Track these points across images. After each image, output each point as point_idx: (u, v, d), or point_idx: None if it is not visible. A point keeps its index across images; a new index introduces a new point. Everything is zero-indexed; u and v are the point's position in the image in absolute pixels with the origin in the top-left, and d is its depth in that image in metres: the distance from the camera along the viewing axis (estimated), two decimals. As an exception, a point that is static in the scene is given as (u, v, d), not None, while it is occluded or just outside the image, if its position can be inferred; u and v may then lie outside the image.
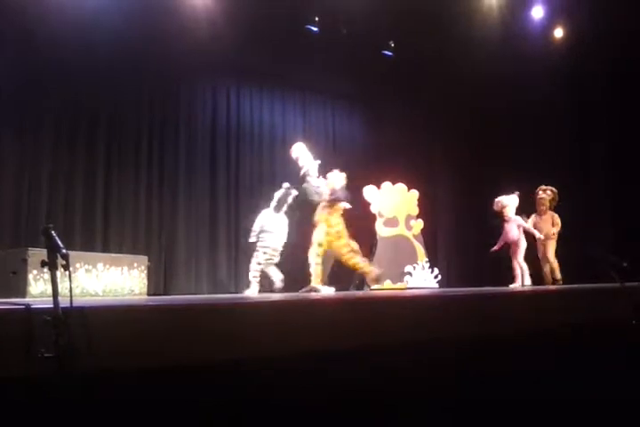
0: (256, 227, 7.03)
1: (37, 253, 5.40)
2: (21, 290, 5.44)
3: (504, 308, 4.23)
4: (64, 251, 2.10)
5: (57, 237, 2.13)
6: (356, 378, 2.83)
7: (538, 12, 9.88)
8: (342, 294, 6.69)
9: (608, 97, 10.05)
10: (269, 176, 9.52)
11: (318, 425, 2.58)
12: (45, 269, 2.10)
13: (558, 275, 8.37)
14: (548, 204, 8.47)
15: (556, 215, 8.46)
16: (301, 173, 7.14)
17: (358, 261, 6.89)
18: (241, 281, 8.83)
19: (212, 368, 2.50)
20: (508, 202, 8.45)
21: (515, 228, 8.27)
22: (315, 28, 9.02)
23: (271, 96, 9.93)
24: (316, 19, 9.00)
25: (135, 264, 6.71)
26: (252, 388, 2.55)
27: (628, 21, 8.76)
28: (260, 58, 8.91)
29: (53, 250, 2.11)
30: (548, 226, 8.40)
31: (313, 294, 6.35)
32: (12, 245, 6.67)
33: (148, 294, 6.91)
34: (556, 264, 8.41)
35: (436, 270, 9.10)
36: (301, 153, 7.16)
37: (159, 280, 8.18)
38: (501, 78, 9.65)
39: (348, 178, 7.30)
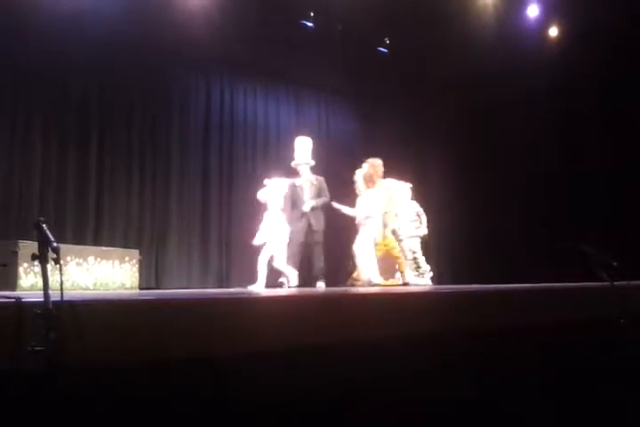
0: None
1: (28, 246, 5.37)
2: (11, 283, 5.41)
3: (496, 305, 4.25)
4: (55, 244, 2.10)
5: (48, 231, 2.12)
6: (348, 374, 2.84)
7: (533, 11, 9.90)
8: (334, 289, 6.71)
9: (602, 94, 10.09)
10: (262, 172, 9.50)
11: (314, 421, 2.59)
12: (36, 263, 2.10)
13: (360, 273, 6.70)
14: (361, 180, 6.93)
15: (370, 196, 6.73)
16: (292, 164, 7.17)
17: None
18: (232, 275, 8.83)
19: (203, 363, 2.50)
20: (271, 190, 6.86)
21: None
22: (310, 24, 9.01)
23: (265, 92, 9.91)
24: (311, 14, 8.98)
25: (126, 258, 6.69)
26: (245, 383, 2.55)
27: (623, 20, 8.79)
28: (254, 53, 8.88)
29: (44, 243, 2.10)
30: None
31: (312, 289, 6.37)
32: (2, 238, 6.64)
33: (140, 288, 6.89)
34: (359, 258, 6.57)
35: (428, 267, 9.11)
36: (302, 148, 7.14)
37: (150, 274, 8.16)
38: (496, 76, 9.66)
39: (342, 174, 7.32)
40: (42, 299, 2.01)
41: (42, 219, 2.19)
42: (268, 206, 6.78)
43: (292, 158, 7.54)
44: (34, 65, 7.34)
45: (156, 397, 2.38)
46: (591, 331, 3.89)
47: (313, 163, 7.22)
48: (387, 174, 9.19)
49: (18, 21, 7.05)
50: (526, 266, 9.45)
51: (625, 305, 3.38)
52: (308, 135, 7.61)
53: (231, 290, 7.07)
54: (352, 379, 2.87)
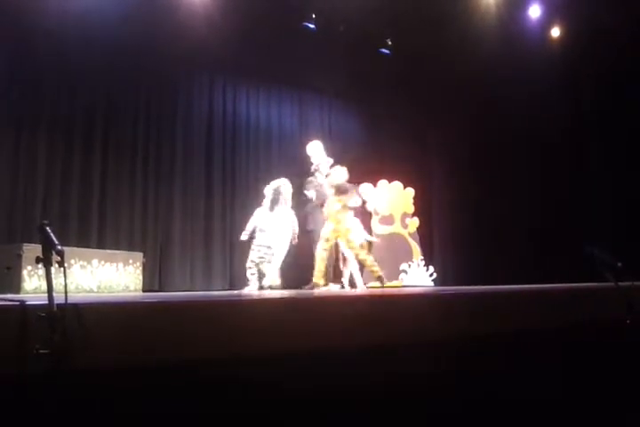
0: (249, 226, 7.02)
1: (32, 249, 5.38)
2: (15, 286, 5.42)
3: (500, 306, 4.24)
4: (59, 247, 2.10)
5: (52, 234, 2.12)
6: (353, 378, 2.83)
7: (535, 12, 9.89)
8: (341, 291, 6.71)
9: (603, 96, 10.08)
10: (265, 174, 9.50)
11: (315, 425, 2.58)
12: (40, 266, 2.10)
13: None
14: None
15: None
16: (312, 168, 7.22)
17: (366, 257, 6.82)
18: (236, 278, 8.83)
19: (206, 366, 2.50)
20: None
21: None
22: (312, 26, 9.01)
23: (268, 94, 9.92)
24: (313, 16, 8.99)
25: (130, 261, 6.69)
26: (248, 386, 2.55)
27: (625, 21, 8.78)
28: (256, 55, 8.89)
29: (48, 246, 2.11)
30: None
31: (312, 292, 6.36)
32: (6, 241, 6.65)
33: (143, 291, 6.90)
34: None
35: (432, 268, 9.11)
36: (315, 151, 7.23)
37: (154, 277, 8.17)
38: (498, 77, 9.66)
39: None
40: (46, 302, 2.02)
41: (45, 222, 2.19)
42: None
43: (300, 161, 7.63)
44: (39, 69, 7.37)
45: (159, 398, 2.38)
46: (597, 332, 3.88)
47: (332, 161, 7.31)
48: (390, 176, 9.22)
49: (24, 25, 7.08)
50: (531, 267, 9.43)
51: (630, 306, 3.37)
52: (315, 138, 7.68)
53: (235, 292, 7.07)
54: (352, 383, 2.86)
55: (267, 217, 6.97)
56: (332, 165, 7.22)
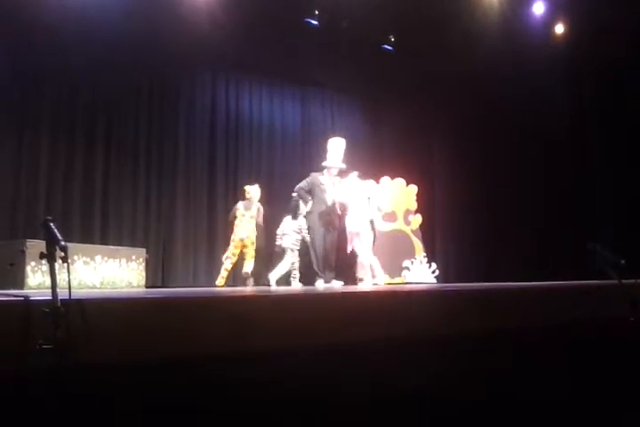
0: (278, 231, 7.55)
1: (36, 245, 5.39)
2: (19, 281, 5.43)
3: (503, 303, 4.24)
4: (63, 243, 2.10)
5: (56, 230, 2.13)
6: (354, 374, 2.83)
7: (539, 8, 9.86)
8: (343, 287, 6.72)
9: (605, 93, 10.04)
10: (268, 170, 9.51)
11: (314, 422, 2.59)
12: (44, 261, 2.10)
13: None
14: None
15: None
16: (322, 164, 7.24)
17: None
18: (238, 274, 8.84)
19: (209, 361, 2.51)
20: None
21: None
22: (315, 22, 8.99)
23: (270, 90, 9.91)
24: (316, 12, 8.97)
25: (133, 257, 6.71)
26: (250, 382, 2.55)
27: (629, 17, 8.75)
28: (259, 51, 8.88)
29: (52, 242, 2.11)
30: None
31: (310, 288, 6.37)
32: (10, 237, 6.67)
33: (146, 287, 6.91)
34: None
35: (434, 265, 9.12)
36: (332, 149, 7.24)
37: (157, 273, 8.18)
38: (501, 73, 9.62)
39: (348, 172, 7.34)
40: (49, 297, 2.02)
41: (49, 218, 2.19)
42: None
43: (306, 157, 7.60)
44: (41, 67, 7.37)
45: (161, 394, 2.38)
46: (600, 329, 3.87)
47: (344, 167, 7.32)
48: (393, 173, 9.21)
49: (25, 23, 7.07)
50: (534, 263, 9.42)
51: (633, 303, 3.36)
52: (341, 136, 7.62)
53: (237, 288, 7.08)
54: (354, 379, 2.86)
55: (288, 223, 7.49)
56: (343, 171, 7.23)
